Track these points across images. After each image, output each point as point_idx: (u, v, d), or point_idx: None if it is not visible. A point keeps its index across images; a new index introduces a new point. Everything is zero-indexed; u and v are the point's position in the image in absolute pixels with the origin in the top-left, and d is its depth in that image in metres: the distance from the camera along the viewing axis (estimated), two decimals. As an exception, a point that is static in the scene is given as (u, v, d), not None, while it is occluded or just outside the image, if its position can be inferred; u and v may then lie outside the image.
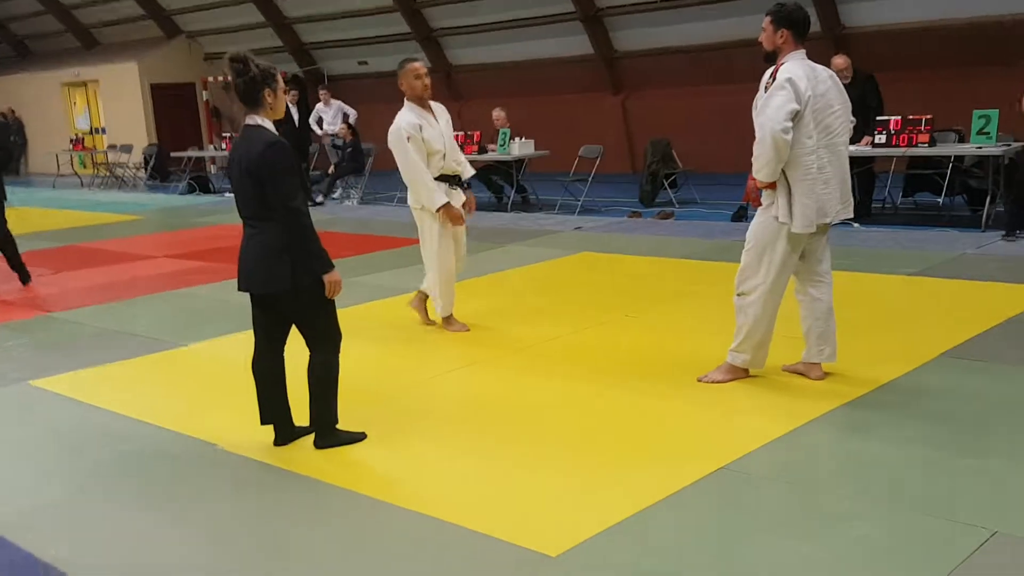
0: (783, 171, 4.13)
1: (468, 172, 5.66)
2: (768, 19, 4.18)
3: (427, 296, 5.75)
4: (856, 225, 8.35)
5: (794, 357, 4.53)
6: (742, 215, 9.32)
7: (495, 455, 3.80)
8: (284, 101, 3.77)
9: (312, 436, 3.95)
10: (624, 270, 7.42)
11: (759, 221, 4.34)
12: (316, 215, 11.96)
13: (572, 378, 4.71)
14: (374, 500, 3.41)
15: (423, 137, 5.32)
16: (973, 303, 5.67)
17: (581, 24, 14.34)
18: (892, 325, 5.33)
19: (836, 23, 12.07)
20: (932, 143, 8.50)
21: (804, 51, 4.19)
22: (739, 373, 4.48)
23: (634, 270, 7.39)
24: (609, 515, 3.17)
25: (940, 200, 8.87)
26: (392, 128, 5.37)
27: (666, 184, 11.18)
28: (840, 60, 8.75)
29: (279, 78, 3.72)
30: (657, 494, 3.30)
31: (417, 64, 5.42)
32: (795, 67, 4.09)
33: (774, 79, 4.09)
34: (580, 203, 10.93)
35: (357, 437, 3.96)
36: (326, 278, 3.71)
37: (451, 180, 5.51)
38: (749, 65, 4.26)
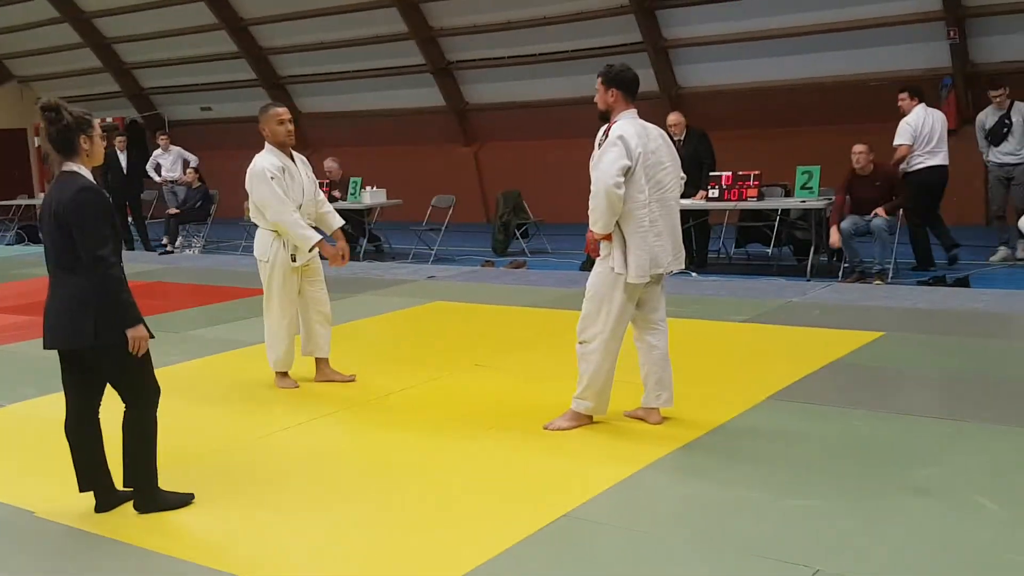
0: (618, 224, 4.28)
1: (337, 221, 5.57)
2: (599, 80, 4.37)
3: (326, 357, 5.59)
4: (693, 275, 8.73)
5: (636, 402, 4.65)
6: (590, 265, 9.58)
7: (333, 512, 3.69)
8: (102, 147, 3.63)
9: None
10: (476, 319, 7.46)
11: (597, 272, 4.48)
12: (154, 265, 11.45)
13: (419, 429, 4.67)
14: (200, 567, 3.25)
15: (285, 183, 5.23)
16: (799, 348, 5.99)
17: (432, 76, 14.52)
18: (725, 369, 5.57)
19: (672, 83, 12.73)
20: (760, 197, 9.03)
21: (636, 110, 4.38)
22: (583, 419, 4.56)
23: (486, 319, 7.44)
24: (452, 569, 3.13)
25: (769, 251, 9.41)
26: (253, 169, 5.25)
27: (518, 234, 11.39)
28: (674, 117, 9.22)
29: (95, 124, 3.59)
30: (501, 544, 3.29)
31: (280, 109, 5.36)
32: (627, 125, 4.27)
33: (607, 136, 4.26)
34: (434, 252, 10.96)
35: (184, 500, 3.74)
36: (129, 333, 3.49)
37: None
38: (593, 120, 4.44)
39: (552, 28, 13.03)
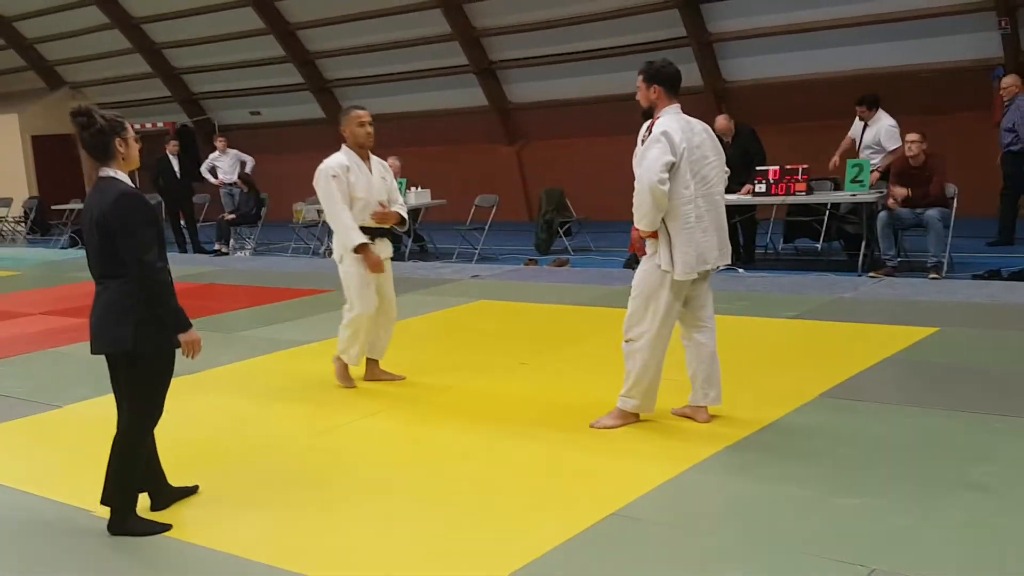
0: (664, 221, 4.26)
1: (397, 211, 5.53)
2: (640, 77, 4.35)
3: (377, 360, 5.64)
4: (741, 271, 8.64)
5: (683, 400, 4.62)
6: (634, 262, 9.54)
7: (382, 510, 3.72)
8: (136, 150, 3.58)
9: (194, 494, 3.81)
10: (520, 318, 7.47)
11: (644, 269, 4.45)
12: (207, 267, 11.63)
13: (467, 428, 4.69)
14: (249, 561, 3.31)
15: (348, 180, 5.30)
16: (850, 345, 5.90)
17: (475, 77, 14.57)
18: (774, 367, 5.51)
19: (718, 78, 12.61)
20: (809, 191, 8.90)
21: (679, 105, 4.34)
22: (630, 418, 4.54)
23: (530, 317, 7.45)
24: (502, 566, 3.14)
25: (818, 246, 9.26)
26: (320, 167, 5.36)
27: (561, 232, 11.38)
28: (722, 122, 9.13)
29: (128, 127, 3.56)
30: (550, 542, 3.29)
31: (361, 112, 5.45)
32: (670, 121, 4.24)
33: (650, 132, 4.24)
34: (477, 252, 11.00)
35: (160, 528, 3.58)
36: (182, 338, 3.50)
37: (375, 233, 5.42)
38: (635, 117, 4.43)
39: (595, 25, 13.00)
